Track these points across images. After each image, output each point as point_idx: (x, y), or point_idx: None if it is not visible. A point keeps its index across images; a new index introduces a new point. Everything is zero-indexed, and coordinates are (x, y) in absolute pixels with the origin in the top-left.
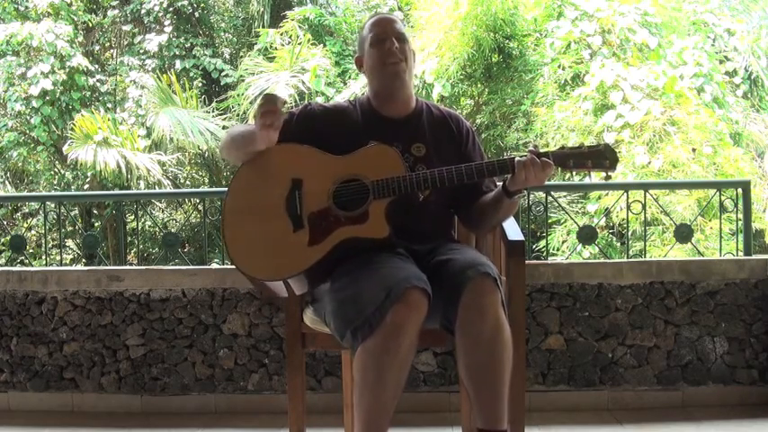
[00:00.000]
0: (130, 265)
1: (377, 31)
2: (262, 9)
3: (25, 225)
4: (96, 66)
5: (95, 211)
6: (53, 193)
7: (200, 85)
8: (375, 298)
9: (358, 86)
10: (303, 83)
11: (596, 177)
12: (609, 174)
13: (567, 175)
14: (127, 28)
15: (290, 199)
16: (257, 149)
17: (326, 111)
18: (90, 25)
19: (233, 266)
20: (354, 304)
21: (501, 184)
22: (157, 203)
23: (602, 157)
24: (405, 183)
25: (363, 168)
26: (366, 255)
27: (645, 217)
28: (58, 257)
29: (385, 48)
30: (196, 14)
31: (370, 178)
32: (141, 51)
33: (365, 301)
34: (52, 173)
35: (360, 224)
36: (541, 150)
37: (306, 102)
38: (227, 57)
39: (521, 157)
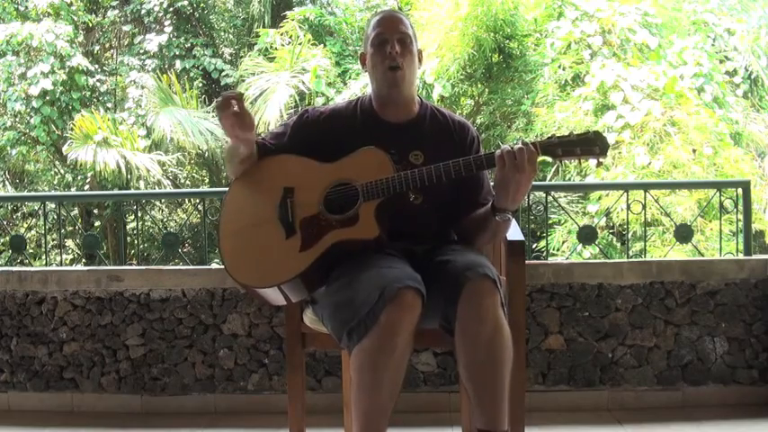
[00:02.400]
0: (130, 265)
1: (379, 32)
2: (262, 9)
3: (25, 225)
4: (96, 66)
5: (95, 211)
6: (53, 193)
7: (200, 85)
8: (369, 299)
9: (358, 86)
10: (303, 83)
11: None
12: (600, 160)
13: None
14: (127, 28)
15: (281, 207)
16: (242, 156)
17: (324, 117)
18: (90, 25)
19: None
20: (349, 306)
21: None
22: (157, 203)
23: (592, 143)
24: (393, 183)
25: (354, 172)
26: (360, 256)
27: (645, 217)
28: (58, 258)
29: (385, 52)
30: (196, 14)
31: (360, 181)
32: (141, 51)
33: (359, 302)
34: (52, 173)
35: (350, 226)
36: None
37: (303, 109)
38: (228, 57)
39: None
